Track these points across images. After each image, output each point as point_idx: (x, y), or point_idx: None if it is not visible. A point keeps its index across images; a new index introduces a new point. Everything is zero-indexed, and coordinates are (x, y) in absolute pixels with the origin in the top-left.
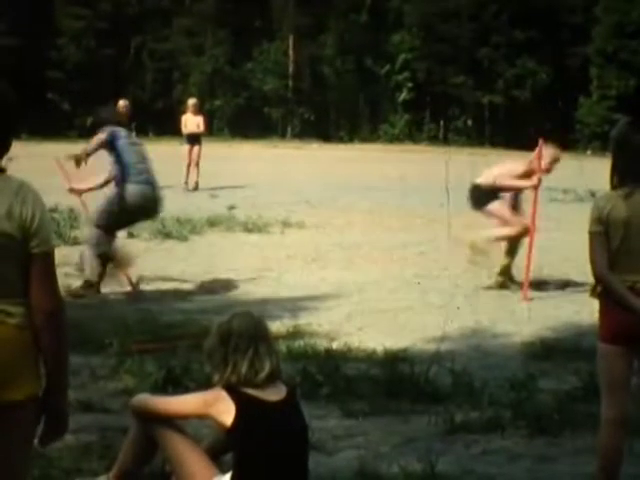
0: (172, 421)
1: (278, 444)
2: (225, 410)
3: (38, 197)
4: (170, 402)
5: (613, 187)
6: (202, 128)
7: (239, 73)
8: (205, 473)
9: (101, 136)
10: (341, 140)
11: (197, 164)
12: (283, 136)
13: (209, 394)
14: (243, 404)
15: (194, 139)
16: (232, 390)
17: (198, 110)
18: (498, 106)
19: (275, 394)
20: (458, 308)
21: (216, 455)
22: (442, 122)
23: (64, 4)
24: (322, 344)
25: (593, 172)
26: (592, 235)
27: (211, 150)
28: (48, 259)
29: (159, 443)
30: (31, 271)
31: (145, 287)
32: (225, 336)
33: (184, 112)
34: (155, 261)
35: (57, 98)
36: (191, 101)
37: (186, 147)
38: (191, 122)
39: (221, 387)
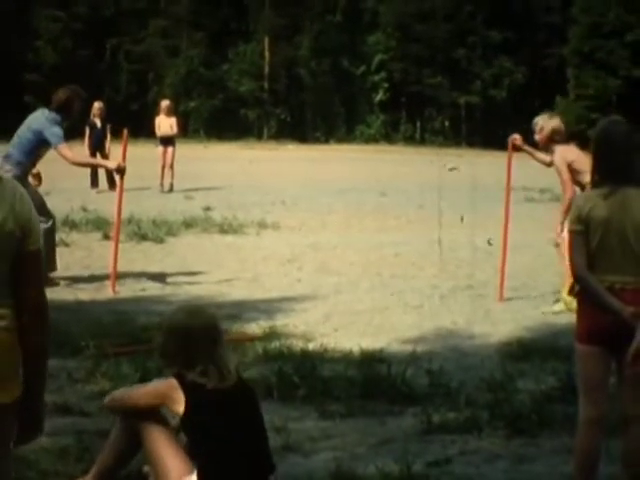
0: (155, 416)
1: (231, 431)
2: (176, 400)
3: (28, 196)
4: (130, 394)
5: (593, 186)
6: (175, 130)
7: (215, 74)
8: (180, 468)
9: None
10: (317, 141)
11: (172, 166)
12: (259, 137)
13: (162, 384)
14: (191, 393)
15: (168, 141)
16: (182, 380)
17: (171, 112)
18: (475, 106)
19: (225, 383)
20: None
21: None
22: (418, 123)
23: (41, 6)
24: (298, 345)
25: None
26: (572, 234)
27: (187, 151)
28: (40, 256)
29: (141, 438)
30: (25, 269)
31: (121, 289)
32: (179, 334)
33: (157, 114)
34: (131, 263)
35: (34, 100)
36: (164, 103)
37: (160, 149)
38: (164, 124)
39: (172, 376)
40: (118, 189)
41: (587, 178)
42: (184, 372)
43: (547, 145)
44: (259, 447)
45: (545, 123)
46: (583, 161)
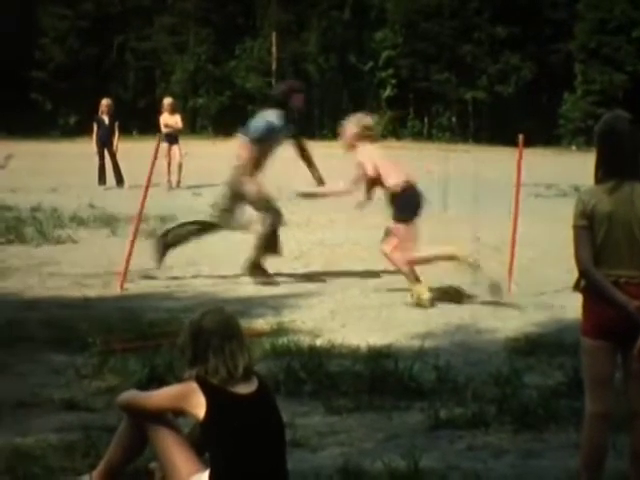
0: (162, 415)
1: (251, 436)
2: (197, 403)
3: None
4: (148, 397)
5: (597, 182)
6: (180, 125)
7: (222, 71)
8: (189, 468)
9: None
10: (325, 137)
11: (180, 163)
12: None
13: (181, 388)
14: (213, 397)
15: (173, 138)
16: (203, 383)
17: (174, 109)
18: (482, 102)
19: (246, 387)
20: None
21: (200, 448)
22: (426, 119)
23: (47, 4)
24: (306, 341)
25: (578, 167)
26: (576, 229)
27: (194, 148)
28: None
29: (149, 436)
30: None
31: (128, 286)
32: (196, 333)
33: (160, 112)
34: (138, 260)
35: (40, 98)
36: (167, 100)
37: (164, 146)
38: (169, 121)
39: (193, 380)
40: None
41: (391, 181)
42: (203, 374)
43: (351, 147)
44: (275, 455)
45: (347, 125)
46: (386, 164)
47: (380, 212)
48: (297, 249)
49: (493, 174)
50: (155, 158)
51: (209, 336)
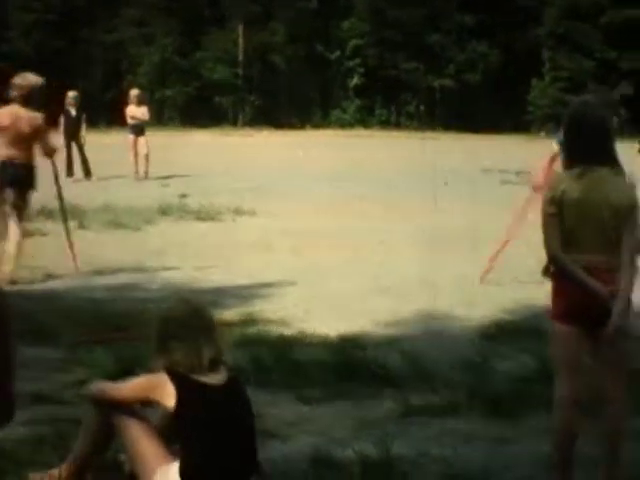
0: (129, 406)
1: (221, 427)
2: (166, 394)
3: None
4: (117, 388)
5: (565, 167)
6: (147, 117)
7: (189, 62)
8: (158, 459)
9: None
10: (293, 127)
11: (147, 154)
12: (234, 124)
13: (151, 378)
14: (183, 387)
15: (139, 129)
16: (173, 374)
17: (141, 101)
18: (449, 90)
19: (215, 378)
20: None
21: (169, 438)
22: (393, 107)
23: None
24: (275, 330)
25: (547, 154)
26: (545, 216)
27: (162, 139)
28: None
29: (116, 428)
30: None
31: (98, 277)
32: (163, 323)
33: (126, 104)
34: (107, 251)
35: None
36: (133, 92)
37: (130, 137)
38: (135, 113)
39: (163, 371)
40: None
41: None
42: (171, 364)
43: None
44: (246, 446)
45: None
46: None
47: (349, 201)
48: (267, 238)
49: (460, 161)
50: None
51: (176, 326)
